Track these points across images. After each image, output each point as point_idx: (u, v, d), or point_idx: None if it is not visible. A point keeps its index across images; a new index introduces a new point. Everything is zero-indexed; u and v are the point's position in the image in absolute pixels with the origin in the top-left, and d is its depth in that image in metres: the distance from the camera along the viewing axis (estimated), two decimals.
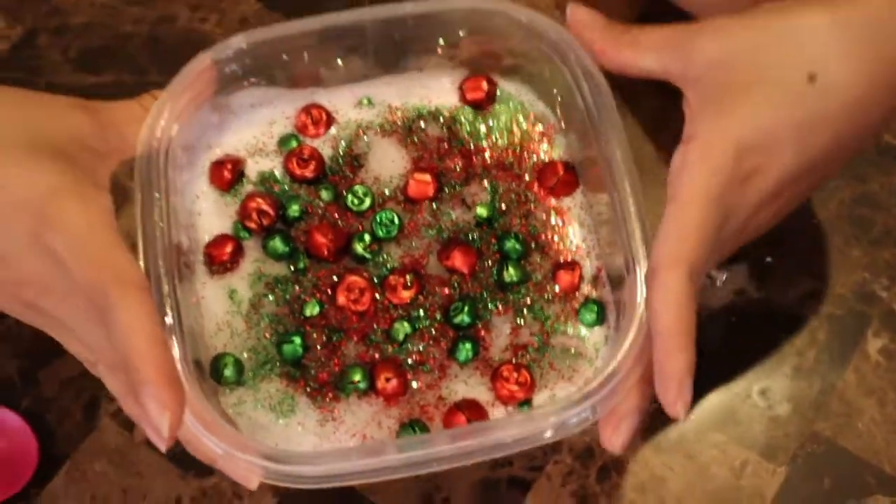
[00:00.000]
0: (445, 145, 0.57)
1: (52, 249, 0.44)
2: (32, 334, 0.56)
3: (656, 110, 0.63)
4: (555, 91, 0.57)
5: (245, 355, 0.53)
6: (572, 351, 0.53)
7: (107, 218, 0.46)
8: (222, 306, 0.54)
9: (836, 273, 0.60)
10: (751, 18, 0.49)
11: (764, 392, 0.57)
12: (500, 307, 0.54)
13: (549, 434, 0.47)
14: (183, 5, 0.69)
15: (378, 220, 0.55)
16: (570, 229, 0.55)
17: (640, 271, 0.49)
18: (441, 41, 0.58)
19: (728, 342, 0.58)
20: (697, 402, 0.57)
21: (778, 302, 0.59)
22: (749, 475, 0.55)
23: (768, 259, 0.60)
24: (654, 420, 0.55)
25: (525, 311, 0.54)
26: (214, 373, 0.52)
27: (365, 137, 0.57)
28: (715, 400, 0.57)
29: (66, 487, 0.55)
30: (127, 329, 0.42)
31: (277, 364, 0.52)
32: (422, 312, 0.53)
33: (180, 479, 0.52)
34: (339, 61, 0.58)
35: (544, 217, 0.56)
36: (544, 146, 0.57)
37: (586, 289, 0.54)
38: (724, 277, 0.58)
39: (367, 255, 0.55)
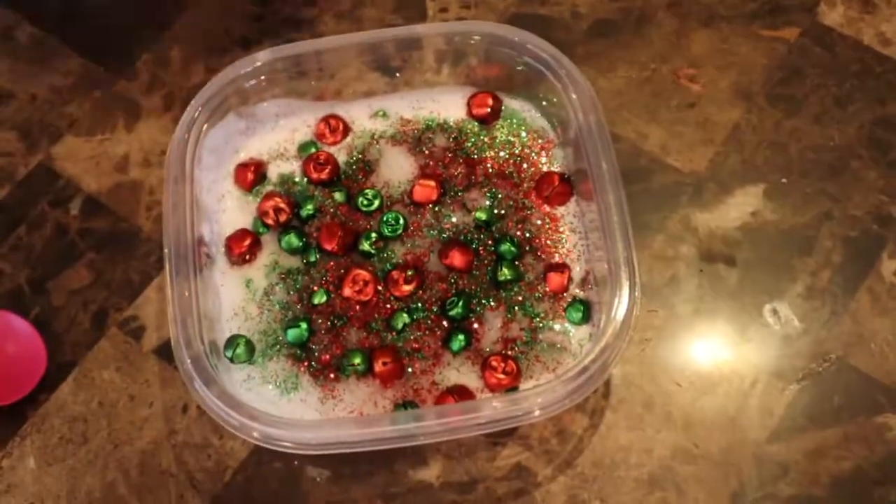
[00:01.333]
0: (450, 155, 0.62)
1: None
2: (46, 249, 0.61)
3: (673, 34, 0.67)
4: (552, 107, 0.61)
5: (256, 337, 0.58)
6: (558, 346, 0.57)
7: None
8: (239, 294, 0.59)
9: (853, 195, 0.62)
10: None
11: (776, 311, 0.59)
12: (493, 303, 0.58)
13: (525, 414, 0.52)
14: None
15: (385, 219, 0.60)
16: (563, 235, 0.60)
17: (623, 274, 0.54)
18: (451, 61, 0.63)
19: (741, 262, 0.60)
20: (709, 320, 0.60)
21: (792, 223, 0.61)
22: (758, 393, 0.58)
23: (783, 180, 0.62)
24: (661, 339, 0.59)
25: (516, 307, 0.58)
26: (228, 351, 0.57)
27: (377, 145, 0.62)
28: (726, 319, 0.59)
29: (74, 393, 0.59)
30: None
31: (284, 346, 0.57)
32: (420, 305, 0.58)
33: (187, 388, 0.55)
34: (359, 76, 0.63)
35: (539, 223, 0.60)
36: (543, 158, 0.62)
37: (575, 289, 0.59)
38: None
39: (373, 252, 0.59)
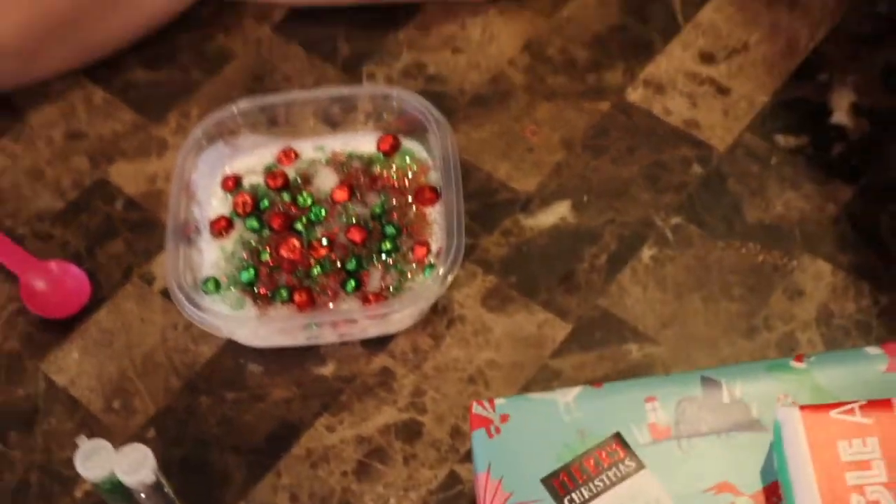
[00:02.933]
0: (361, 174, 0.94)
1: None
2: (98, 229, 0.94)
3: (526, 105, 0.98)
4: (431, 146, 0.93)
5: (223, 278, 0.89)
6: (416, 291, 0.87)
7: None
8: (216, 255, 0.91)
9: (630, 209, 0.92)
10: None
11: (564, 281, 0.89)
12: (377, 263, 0.89)
13: (383, 318, 0.82)
14: None
15: (312, 210, 0.91)
16: (428, 225, 0.90)
17: (452, 250, 0.84)
18: (374, 118, 0.95)
19: (548, 253, 0.90)
20: (522, 283, 0.89)
21: (587, 225, 0.91)
22: (547, 328, 0.86)
23: (585, 198, 0.93)
24: (491, 293, 0.88)
25: (391, 267, 0.89)
26: (203, 286, 0.88)
27: (315, 167, 0.94)
28: (533, 282, 0.88)
29: (106, 316, 0.91)
30: None
31: (239, 283, 0.89)
32: (328, 262, 0.89)
33: (177, 314, 0.87)
34: (310, 122, 0.96)
35: (413, 216, 0.91)
36: (423, 178, 0.93)
37: (431, 258, 0.89)
38: None
39: (303, 230, 0.91)
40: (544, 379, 0.85)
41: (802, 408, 0.67)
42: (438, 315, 0.88)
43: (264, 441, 0.84)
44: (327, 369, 0.87)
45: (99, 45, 1.03)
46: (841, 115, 0.95)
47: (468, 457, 0.82)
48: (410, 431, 0.84)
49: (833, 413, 0.66)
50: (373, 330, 0.86)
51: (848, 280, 0.86)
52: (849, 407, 0.66)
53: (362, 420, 0.85)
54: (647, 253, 0.90)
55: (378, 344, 0.88)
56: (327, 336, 0.86)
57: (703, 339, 0.85)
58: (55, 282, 0.92)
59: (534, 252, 0.91)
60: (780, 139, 0.94)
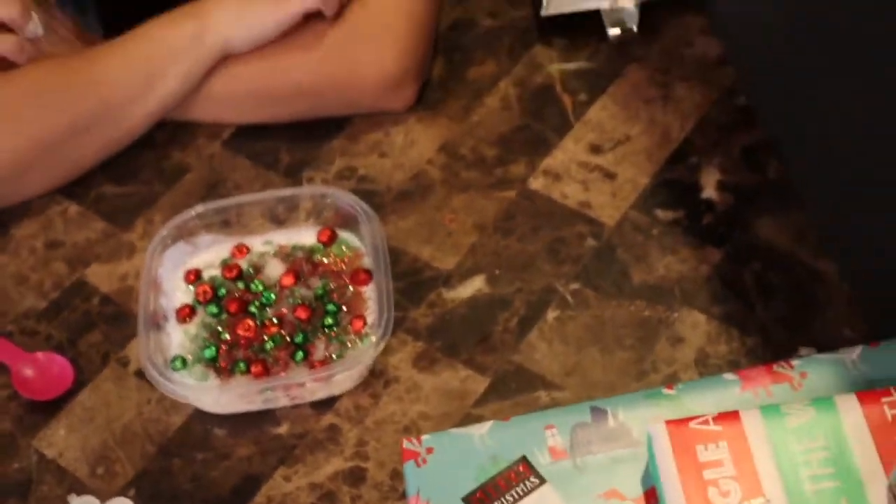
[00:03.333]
0: (305, 261, 1.09)
1: None
2: (78, 323, 1.08)
3: (444, 196, 1.11)
4: (362, 233, 1.09)
5: (189, 356, 1.03)
6: (355, 357, 1.02)
7: None
8: (181, 338, 1.05)
9: (535, 279, 1.07)
10: None
11: (482, 342, 1.03)
12: (321, 336, 1.04)
13: (326, 378, 0.97)
14: None
15: (263, 295, 1.06)
16: (364, 300, 1.06)
17: (382, 322, 0.99)
18: (315, 215, 1.11)
19: (467, 319, 1.05)
20: (445, 346, 1.04)
21: (499, 294, 1.06)
22: (469, 382, 1.01)
23: (497, 272, 1.08)
24: (420, 356, 1.03)
25: (334, 338, 1.03)
26: (172, 364, 1.02)
27: (264, 258, 1.10)
28: (454, 344, 1.03)
29: (88, 396, 1.04)
30: None
31: (203, 360, 1.03)
32: (279, 337, 1.04)
33: (150, 391, 1.01)
34: (258, 221, 1.11)
35: (350, 294, 1.06)
36: (357, 262, 1.09)
37: (368, 329, 1.04)
38: None
39: (256, 312, 1.06)
40: (468, 425, 0.99)
41: (667, 422, 0.82)
42: (376, 377, 1.03)
43: (230, 493, 0.98)
44: (282, 429, 1.01)
45: (74, 167, 1.19)
46: (709, 192, 1.12)
47: (405, 495, 0.96)
48: (356, 477, 0.98)
49: (692, 424, 0.81)
50: (320, 392, 1.01)
51: (720, 327, 1.03)
52: (704, 418, 0.82)
53: (314, 470, 0.98)
54: (551, 314, 1.05)
55: (325, 405, 1.02)
56: (281, 400, 1.00)
57: (601, 383, 1.00)
58: (42, 370, 1.06)
59: (455, 319, 1.06)
60: (660, 213, 1.11)
